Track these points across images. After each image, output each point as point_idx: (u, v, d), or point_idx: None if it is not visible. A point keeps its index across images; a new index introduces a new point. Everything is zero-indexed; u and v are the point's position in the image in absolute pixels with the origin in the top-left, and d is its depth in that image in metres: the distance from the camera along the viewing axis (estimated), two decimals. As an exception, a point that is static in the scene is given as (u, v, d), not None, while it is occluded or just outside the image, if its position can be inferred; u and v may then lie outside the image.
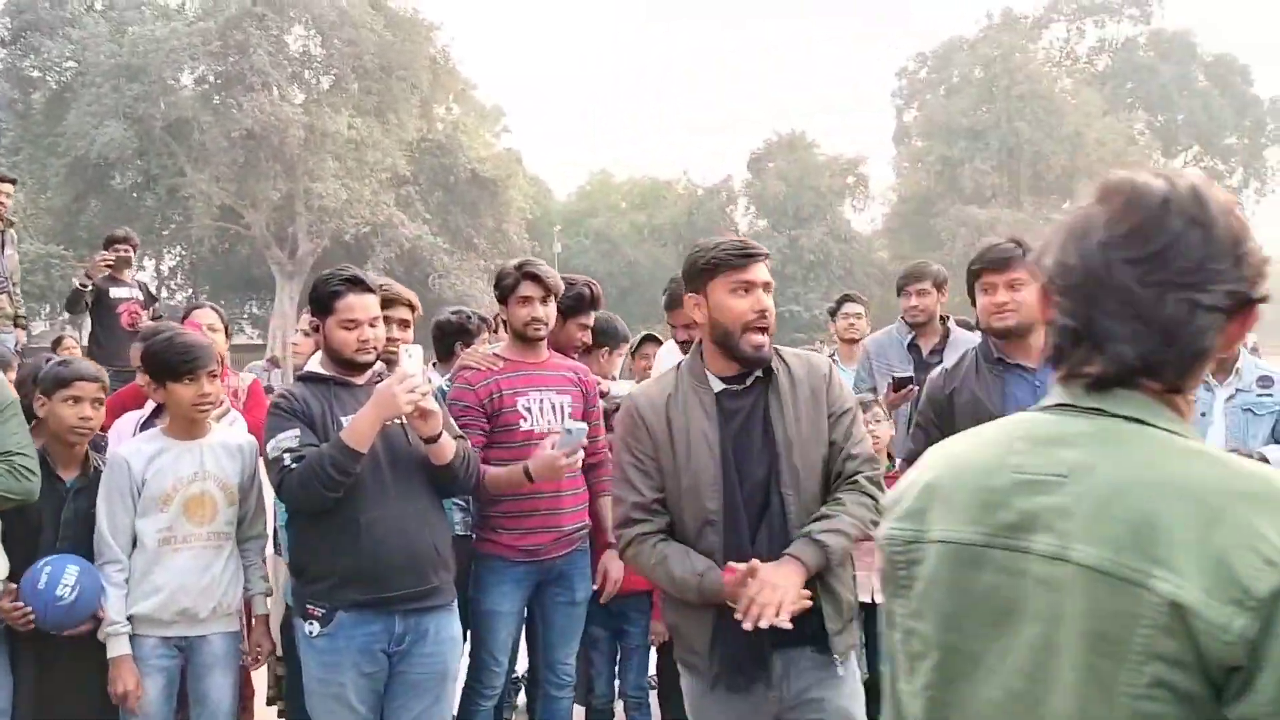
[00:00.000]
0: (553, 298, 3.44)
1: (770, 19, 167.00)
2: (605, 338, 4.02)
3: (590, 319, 3.78)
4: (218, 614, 3.07)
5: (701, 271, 2.41)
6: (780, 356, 2.48)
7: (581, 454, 3.20)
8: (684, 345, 3.99)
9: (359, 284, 2.89)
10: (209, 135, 29.74)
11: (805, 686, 2.42)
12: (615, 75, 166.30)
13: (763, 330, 2.37)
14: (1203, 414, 3.54)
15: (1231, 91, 45.93)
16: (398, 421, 2.86)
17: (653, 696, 4.00)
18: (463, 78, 38.90)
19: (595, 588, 3.55)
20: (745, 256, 2.39)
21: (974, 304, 3.05)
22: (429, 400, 2.78)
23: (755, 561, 2.20)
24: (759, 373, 2.45)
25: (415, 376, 2.74)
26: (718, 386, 2.45)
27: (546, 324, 3.43)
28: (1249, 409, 3.52)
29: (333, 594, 2.79)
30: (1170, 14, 47.89)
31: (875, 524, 2.21)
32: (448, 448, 2.89)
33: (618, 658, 3.87)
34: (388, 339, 3.15)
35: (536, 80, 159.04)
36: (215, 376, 3.13)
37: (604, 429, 3.62)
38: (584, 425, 3.17)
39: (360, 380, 2.93)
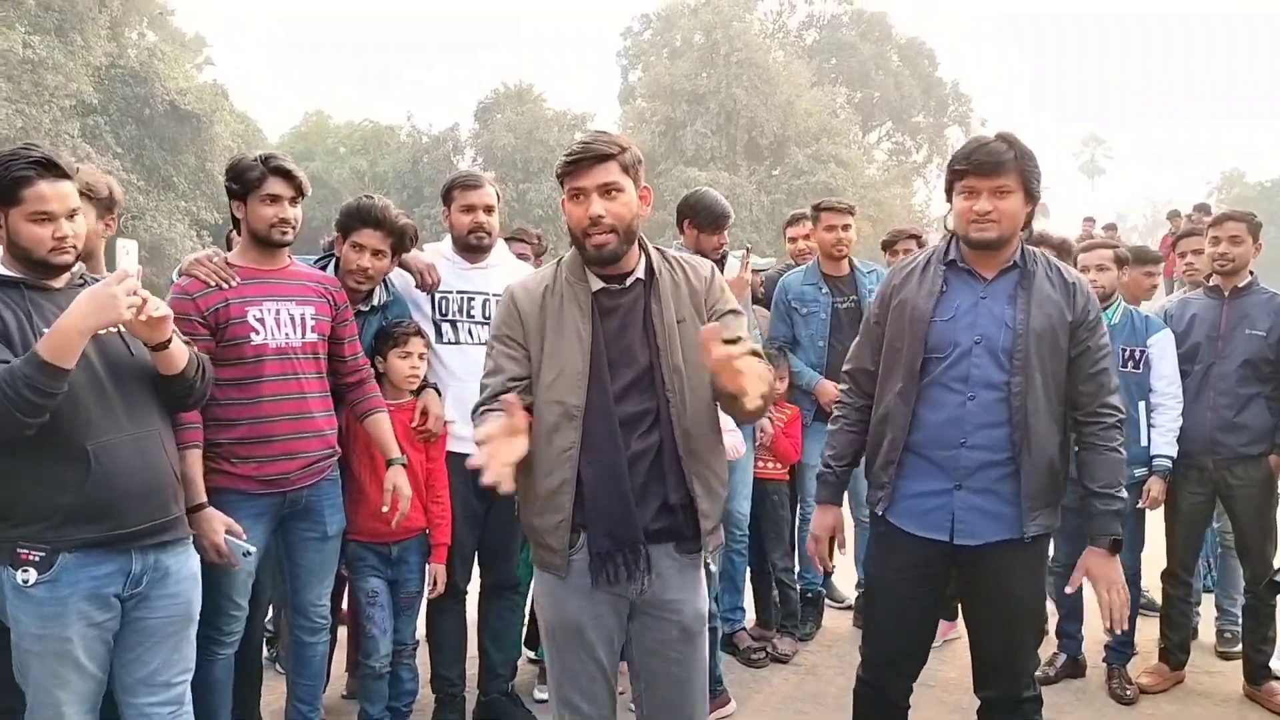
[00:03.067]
0: (300, 199, 3.16)
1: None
2: None
3: None
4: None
5: (558, 179, 2.39)
6: (666, 259, 2.48)
7: None
8: None
9: (53, 168, 2.42)
10: None
11: (665, 585, 2.42)
12: (335, 15, 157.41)
13: (600, 233, 2.32)
14: None
15: (919, 73, 50.33)
16: (114, 330, 2.50)
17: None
18: (159, 1, 35.32)
19: (385, 509, 3.28)
20: (575, 163, 2.35)
21: (949, 201, 2.78)
22: (156, 301, 2.41)
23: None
24: (640, 273, 2.43)
25: (133, 276, 2.36)
26: (596, 285, 2.42)
27: (295, 226, 3.16)
28: None
29: (54, 533, 2.38)
30: (869, -5, 51.61)
31: (769, 393, 2.24)
32: (179, 354, 2.57)
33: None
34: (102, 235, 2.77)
35: (243, 10, 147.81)
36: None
37: (360, 345, 3.40)
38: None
39: (58, 284, 2.51)
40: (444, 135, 42.04)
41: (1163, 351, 4.09)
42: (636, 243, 2.44)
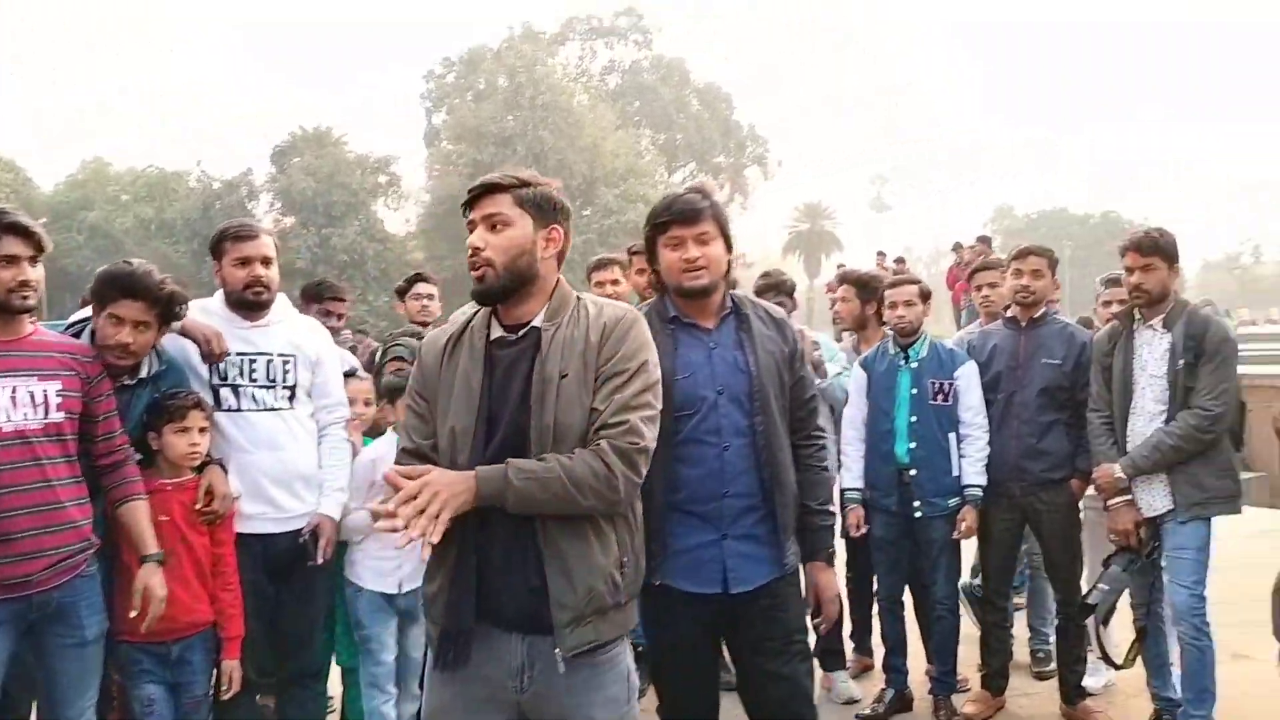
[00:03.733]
0: (40, 257, 2.75)
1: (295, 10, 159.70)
2: None
3: None
4: None
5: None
6: (583, 307, 2.26)
7: None
8: None
9: None
10: None
11: (548, 683, 2.15)
12: (109, 59, 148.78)
13: (476, 267, 2.20)
14: None
15: (718, 117, 52.26)
16: None
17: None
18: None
19: (134, 614, 2.86)
20: (467, 199, 2.27)
21: (651, 261, 2.80)
22: None
23: (426, 467, 2.05)
24: (538, 322, 2.22)
25: None
26: (496, 333, 2.25)
27: (36, 289, 2.74)
28: None
29: None
30: (667, 43, 53.37)
31: (596, 491, 2.05)
32: None
33: None
34: None
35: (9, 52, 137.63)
36: None
37: (120, 422, 2.98)
38: None
39: None
40: (237, 180, 40.21)
41: (969, 383, 4.18)
42: (540, 287, 2.25)
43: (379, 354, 4.30)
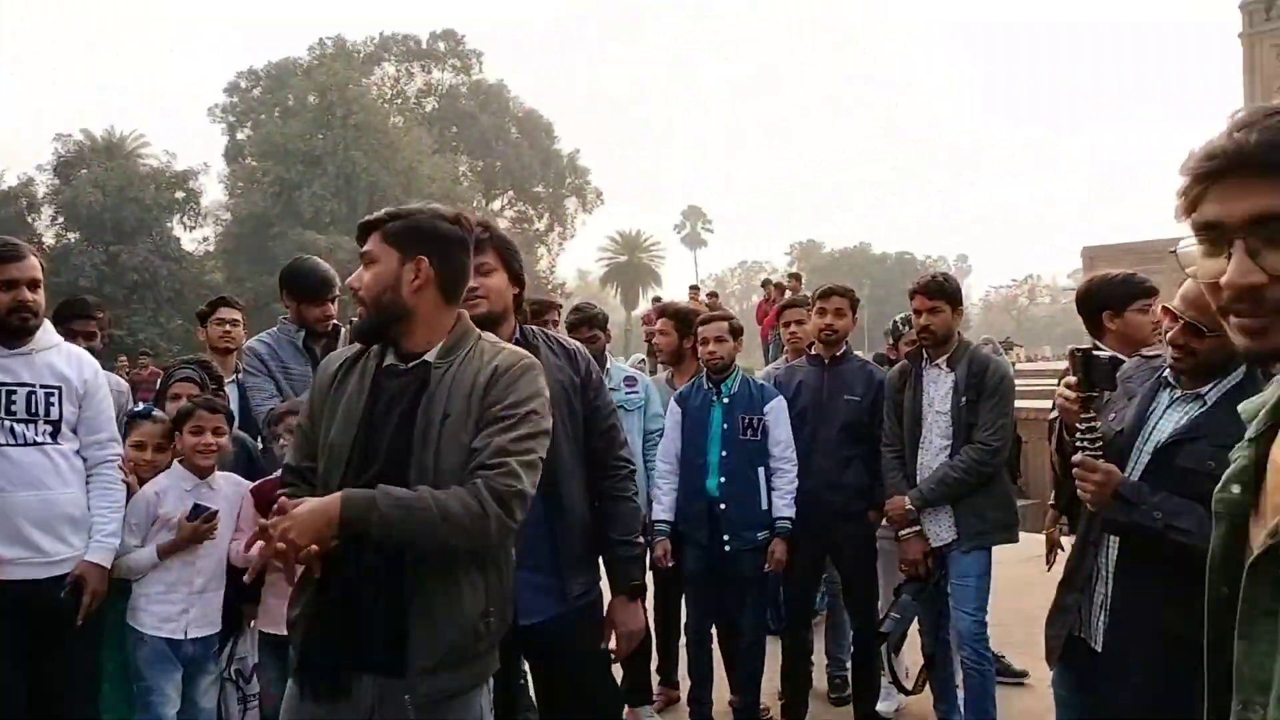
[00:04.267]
0: None
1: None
2: None
3: None
4: None
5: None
6: (480, 346, 2.21)
7: None
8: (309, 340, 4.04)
9: None
10: None
11: None
12: None
13: (359, 305, 2.20)
14: None
15: (538, 145, 52.40)
16: None
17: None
18: None
19: None
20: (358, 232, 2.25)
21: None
22: None
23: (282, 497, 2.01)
24: (429, 358, 2.18)
25: None
26: (389, 361, 2.21)
27: None
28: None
29: None
30: (488, 67, 53.15)
31: (466, 528, 1.97)
32: None
33: None
34: None
35: None
36: None
37: None
38: None
39: None
40: (16, 191, 37.14)
41: (778, 418, 4.29)
42: (421, 321, 2.19)
43: (163, 380, 4.00)
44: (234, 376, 4.44)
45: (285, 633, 3.31)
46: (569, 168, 53.92)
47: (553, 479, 2.62)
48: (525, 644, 2.73)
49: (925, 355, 4.05)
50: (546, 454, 2.57)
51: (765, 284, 19.55)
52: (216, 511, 3.33)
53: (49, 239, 36.93)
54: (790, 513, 4.18)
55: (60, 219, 37.69)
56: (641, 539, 2.95)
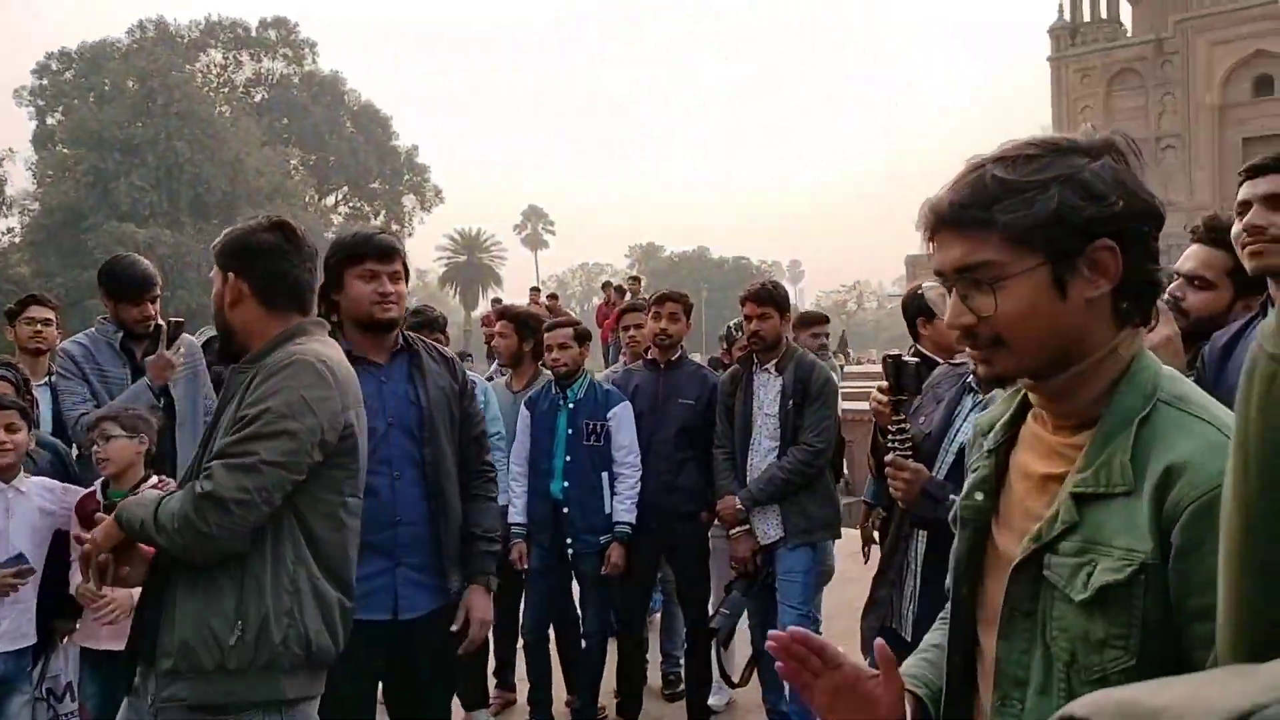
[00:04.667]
0: None
1: None
2: None
3: None
4: None
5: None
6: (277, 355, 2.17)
7: None
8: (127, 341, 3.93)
9: None
10: None
11: None
12: None
13: None
14: None
15: (374, 140, 51.05)
16: None
17: None
18: None
19: None
20: None
21: (329, 295, 2.85)
22: None
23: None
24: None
25: None
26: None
27: None
28: None
29: None
30: (323, 57, 51.40)
31: (169, 535, 1.97)
32: None
33: None
34: None
35: None
36: None
37: None
38: None
39: None
40: None
41: (621, 422, 4.36)
42: (245, 333, 2.24)
43: None
44: (46, 379, 4.19)
45: (104, 647, 3.20)
46: (407, 164, 52.80)
47: (439, 480, 2.87)
48: (401, 638, 2.84)
49: (755, 360, 4.21)
50: (434, 455, 2.86)
51: (605, 286, 19.65)
52: (30, 569, 3.15)
53: None
54: (630, 517, 4.26)
55: None
56: (498, 536, 3.14)
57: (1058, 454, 1.17)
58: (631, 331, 5.10)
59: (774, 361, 4.15)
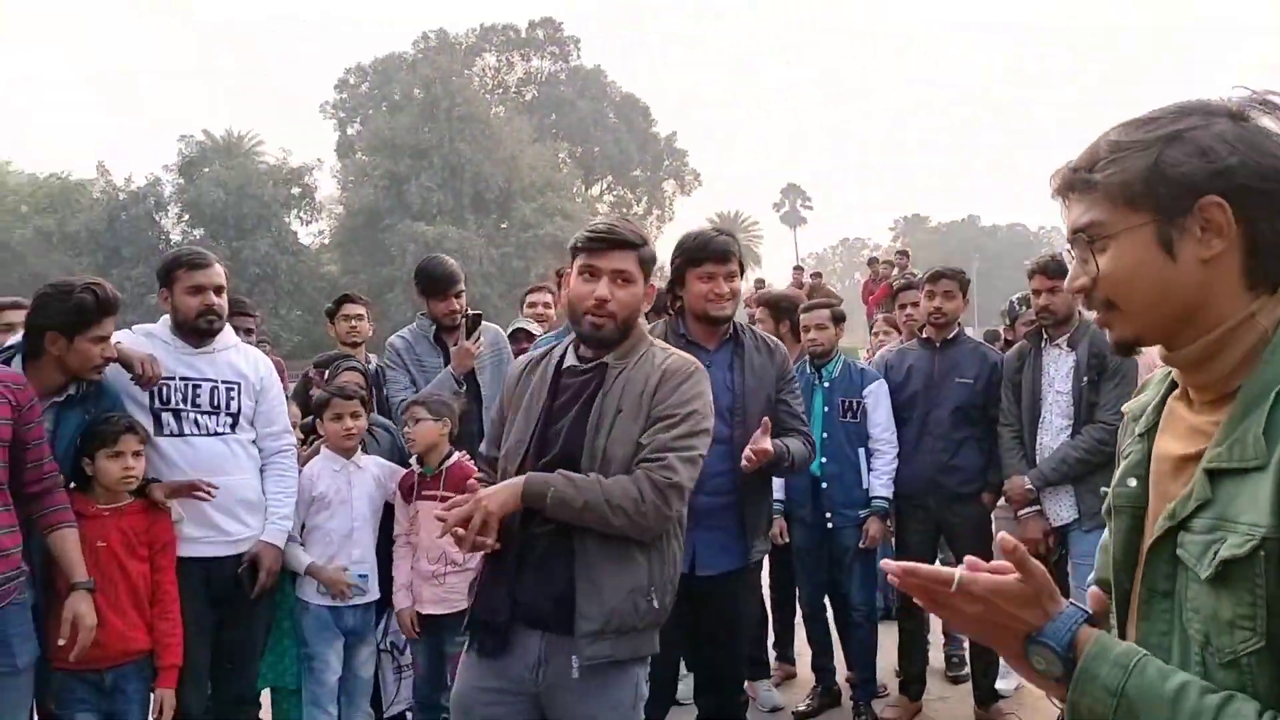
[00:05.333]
0: None
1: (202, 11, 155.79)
2: None
3: None
4: None
5: (570, 250, 2.47)
6: (653, 352, 2.44)
7: None
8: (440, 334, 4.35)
9: None
10: None
11: (561, 678, 2.30)
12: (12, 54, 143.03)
13: (600, 316, 2.37)
14: None
15: (635, 129, 52.50)
16: None
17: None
18: None
19: (63, 641, 2.84)
20: (598, 242, 2.39)
21: (674, 289, 3.30)
22: None
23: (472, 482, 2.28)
24: (607, 359, 2.42)
25: None
26: (569, 362, 2.47)
27: None
28: None
29: None
30: (586, 52, 53.42)
31: (627, 513, 2.23)
32: None
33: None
34: None
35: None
36: None
37: (49, 449, 2.95)
38: None
39: None
40: (144, 190, 39.00)
41: (877, 400, 4.37)
42: (632, 334, 2.45)
43: (331, 370, 4.24)
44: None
45: (432, 612, 3.60)
46: (666, 150, 53.91)
47: (742, 443, 3.13)
48: (699, 596, 3.08)
49: (1045, 335, 4.06)
50: (742, 437, 3.13)
51: (871, 262, 19.27)
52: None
53: (176, 236, 38.71)
54: (887, 493, 4.30)
55: (186, 216, 39.47)
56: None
57: (1198, 432, 1.11)
58: (909, 310, 5.04)
59: (1065, 336, 3.98)
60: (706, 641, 3.33)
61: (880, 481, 4.30)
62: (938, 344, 4.40)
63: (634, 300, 2.41)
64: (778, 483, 4.47)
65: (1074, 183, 1.15)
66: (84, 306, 3.00)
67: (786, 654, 5.09)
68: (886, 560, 1.18)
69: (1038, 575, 1.10)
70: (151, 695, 3.17)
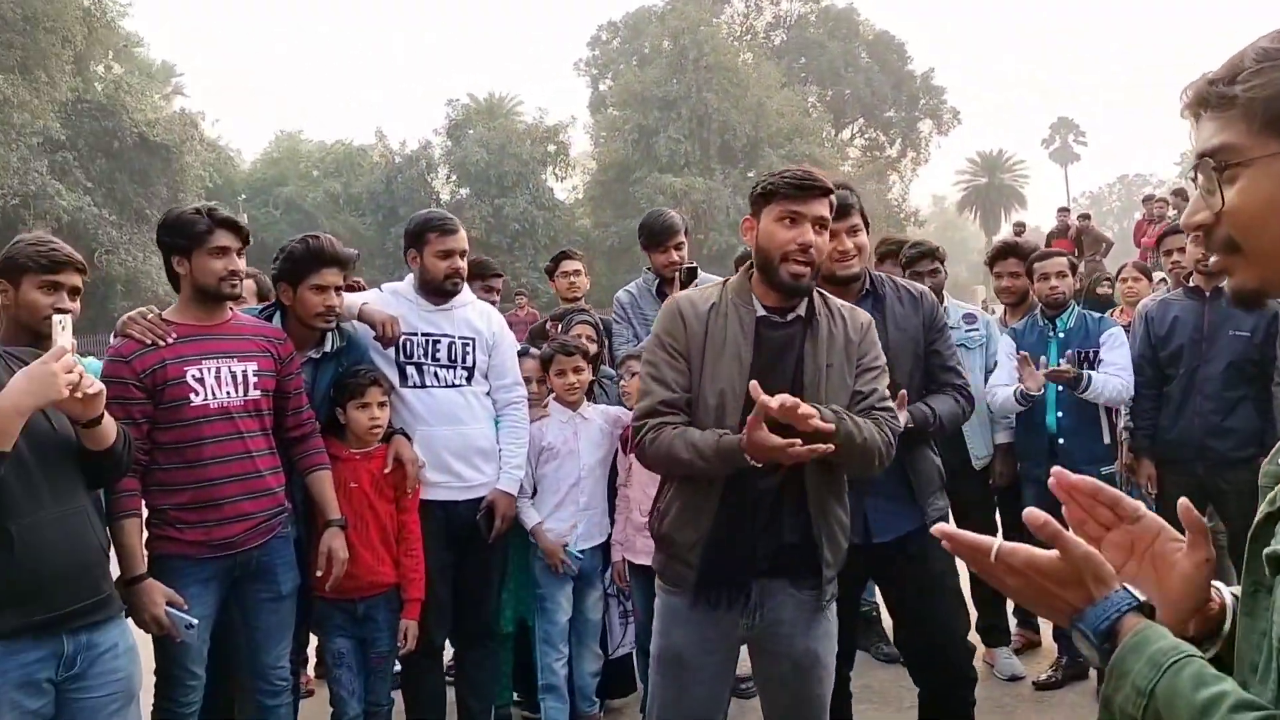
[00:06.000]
0: (245, 248, 3.07)
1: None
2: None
3: None
4: None
5: (759, 197, 2.46)
6: (827, 304, 2.55)
7: None
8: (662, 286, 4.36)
9: None
10: None
11: (777, 619, 2.50)
12: (300, 30, 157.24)
13: (802, 263, 2.39)
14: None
15: (889, 68, 50.43)
16: None
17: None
18: (124, 32, 35.17)
19: (319, 573, 3.18)
20: (800, 188, 2.39)
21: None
22: (91, 378, 2.29)
23: (784, 397, 2.19)
24: (801, 311, 2.48)
25: (70, 352, 2.24)
26: (760, 311, 2.48)
27: (242, 278, 3.06)
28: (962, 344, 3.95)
29: None
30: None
31: (881, 453, 2.37)
32: (108, 430, 2.43)
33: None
34: (57, 309, 2.65)
35: (212, 33, 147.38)
36: None
37: (307, 398, 3.27)
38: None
39: None
40: (417, 154, 41.83)
41: (1114, 344, 4.09)
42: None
43: (564, 325, 4.41)
44: None
45: (644, 562, 3.71)
46: (923, 88, 51.47)
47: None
48: (878, 564, 3.05)
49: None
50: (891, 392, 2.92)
51: (1147, 200, 17.67)
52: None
53: (445, 195, 41.31)
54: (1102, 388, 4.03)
55: (453, 177, 42.00)
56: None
57: None
58: (1175, 256, 4.58)
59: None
60: (910, 618, 3.15)
61: (1099, 382, 3.97)
62: (1207, 293, 3.98)
63: (827, 248, 2.53)
64: (1003, 424, 4.34)
65: (1208, 97, 0.95)
66: (294, 256, 3.30)
67: (1029, 620, 4.84)
68: (1058, 469, 1.14)
69: (1076, 554, 1.00)
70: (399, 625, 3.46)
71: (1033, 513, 1.03)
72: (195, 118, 36.15)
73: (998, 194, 66.88)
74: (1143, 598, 1.01)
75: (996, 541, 1.05)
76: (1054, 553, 1.02)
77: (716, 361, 2.43)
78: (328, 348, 3.42)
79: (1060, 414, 4.08)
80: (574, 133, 44.05)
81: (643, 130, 41.26)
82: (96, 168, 31.50)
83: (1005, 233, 43.87)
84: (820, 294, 2.56)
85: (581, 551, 3.80)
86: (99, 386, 2.32)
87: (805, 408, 2.18)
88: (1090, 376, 3.96)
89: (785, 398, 2.17)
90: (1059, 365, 4.01)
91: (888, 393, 2.52)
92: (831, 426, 2.24)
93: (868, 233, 3.06)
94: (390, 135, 45.08)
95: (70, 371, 2.19)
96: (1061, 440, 4.08)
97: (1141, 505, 1.08)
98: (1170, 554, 1.08)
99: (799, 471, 2.38)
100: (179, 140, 32.77)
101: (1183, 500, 1.07)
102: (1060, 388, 4.06)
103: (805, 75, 50.26)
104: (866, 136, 52.96)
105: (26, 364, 2.31)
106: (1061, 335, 4.15)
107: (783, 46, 51.11)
